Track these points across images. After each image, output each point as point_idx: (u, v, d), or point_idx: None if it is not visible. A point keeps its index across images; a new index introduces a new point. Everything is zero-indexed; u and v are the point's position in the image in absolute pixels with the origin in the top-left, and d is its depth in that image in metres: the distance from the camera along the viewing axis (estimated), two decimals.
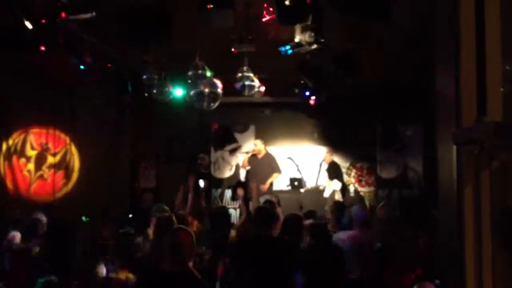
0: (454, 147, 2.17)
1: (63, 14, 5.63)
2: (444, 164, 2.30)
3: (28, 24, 5.59)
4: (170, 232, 3.61)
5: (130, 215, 8.72)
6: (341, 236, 5.69)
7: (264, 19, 6.22)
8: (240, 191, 8.47)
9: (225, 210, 7.75)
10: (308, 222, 5.91)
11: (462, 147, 2.12)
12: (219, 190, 11.08)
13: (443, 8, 2.36)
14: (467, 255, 2.10)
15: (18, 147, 9.23)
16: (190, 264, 3.41)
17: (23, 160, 9.25)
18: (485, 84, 2.15)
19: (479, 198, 2.07)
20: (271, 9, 5.96)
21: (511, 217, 2.06)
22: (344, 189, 10.17)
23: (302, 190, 9.95)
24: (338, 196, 9.66)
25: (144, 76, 7.99)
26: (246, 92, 7.90)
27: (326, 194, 9.66)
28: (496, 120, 2.07)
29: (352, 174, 11.28)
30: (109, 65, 7.61)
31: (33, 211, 6.57)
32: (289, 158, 10.56)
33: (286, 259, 4.43)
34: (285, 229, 5.39)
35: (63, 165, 9.49)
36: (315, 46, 5.88)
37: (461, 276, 2.11)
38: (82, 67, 6.98)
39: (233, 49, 6.81)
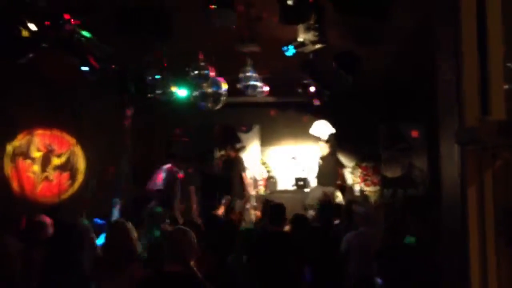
0: (457, 147, 2.15)
1: (66, 16, 5.66)
2: (447, 164, 2.29)
3: (31, 26, 5.61)
4: (169, 233, 3.63)
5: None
6: (349, 235, 5.72)
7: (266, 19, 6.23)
8: None
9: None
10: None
11: (465, 147, 2.10)
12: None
13: (444, 6, 2.34)
14: (471, 255, 2.08)
15: (23, 148, 9.25)
16: (192, 263, 3.41)
17: (28, 161, 9.26)
18: (488, 82, 2.13)
19: (483, 197, 2.06)
20: (273, 8, 5.96)
21: None
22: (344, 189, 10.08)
23: (307, 190, 9.96)
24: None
25: (147, 77, 8.00)
26: (250, 92, 7.90)
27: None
28: (500, 119, 2.05)
29: (358, 173, 11.26)
30: (112, 66, 7.61)
31: (36, 213, 6.53)
32: (294, 158, 10.56)
33: (298, 254, 4.63)
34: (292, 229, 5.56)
35: (68, 167, 9.51)
36: (318, 45, 5.88)
37: (465, 275, 2.10)
38: (85, 68, 6.99)
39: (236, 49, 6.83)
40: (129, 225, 4.25)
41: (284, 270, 4.63)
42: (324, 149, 9.95)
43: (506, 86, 2.20)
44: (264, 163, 11.25)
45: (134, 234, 4.23)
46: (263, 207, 6.72)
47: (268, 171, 11.13)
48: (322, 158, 9.99)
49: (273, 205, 5.68)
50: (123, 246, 3.96)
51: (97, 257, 4.06)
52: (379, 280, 5.40)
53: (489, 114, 2.08)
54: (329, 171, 9.85)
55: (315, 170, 10.06)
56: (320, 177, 9.80)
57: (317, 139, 10.56)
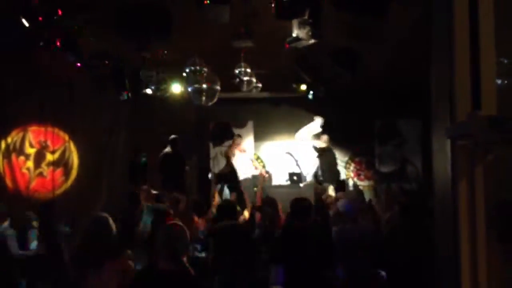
0: (449, 142, 2.17)
1: (60, 12, 5.65)
2: (439, 159, 2.31)
3: (25, 22, 5.60)
4: (163, 228, 3.63)
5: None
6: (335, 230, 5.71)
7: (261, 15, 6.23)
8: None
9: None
10: None
11: (456, 142, 2.12)
12: (219, 186, 11.06)
13: (437, 2, 2.37)
14: (462, 249, 2.11)
15: (17, 145, 9.24)
16: (185, 259, 3.42)
17: (22, 158, 9.26)
18: (479, 77, 2.15)
19: (474, 192, 2.08)
20: (268, 4, 5.96)
21: (508, 211, 2.08)
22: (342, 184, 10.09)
23: (301, 185, 9.98)
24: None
25: (142, 73, 8.00)
26: (244, 88, 7.90)
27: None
28: (490, 114, 2.07)
29: (351, 168, 11.31)
30: (106, 62, 7.60)
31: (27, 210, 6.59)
32: (288, 153, 10.59)
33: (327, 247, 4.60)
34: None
35: (62, 163, 9.50)
36: (312, 41, 5.89)
37: (456, 270, 2.13)
38: (79, 64, 6.99)
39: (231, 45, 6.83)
40: (108, 219, 4.12)
41: (314, 264, 4.55)
42: (322, 144, 10.04)
43: (498, 81, 2.22)
44: (258, 158, 11.27)
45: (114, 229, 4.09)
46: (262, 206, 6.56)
47: (262, 166, 11.16)
48: (320, 154, 10.10)
49: (296, 200, 5.37)
50: (102, 241, 3.88)
51: (76, 254, 3.98)
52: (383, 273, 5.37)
53: (480, 109, 2.10)
54: (328, 167, 9.93)
55: (313, 167, 10.16)
56: (321, 174, 9.92)
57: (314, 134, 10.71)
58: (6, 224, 6.41)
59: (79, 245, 4.02)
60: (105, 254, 3.81)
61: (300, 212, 4.93)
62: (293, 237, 4.79)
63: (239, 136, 10.34)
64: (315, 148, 10.26)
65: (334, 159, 10.37)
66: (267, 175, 9.11)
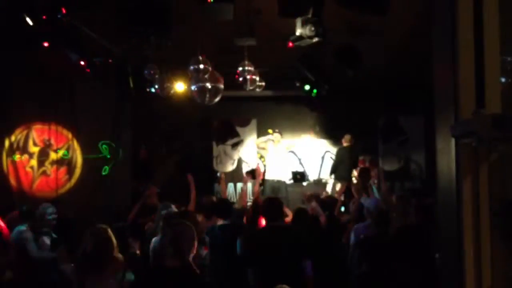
0: (453, 140, 2.17)
1: (64, 10, 5.65)
2: (443, 157, 2.31)
3: (28, 20, 5.61)
4: (170, 227, 3.64)
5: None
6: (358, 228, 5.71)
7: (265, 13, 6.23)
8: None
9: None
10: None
11: (461, 140, 2.12)
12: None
13: (441, 1, 2.36)
14: (466, 247, 2.11)
15: (21, 143, 9.26)
16: (191, 258, 3.43)
17: (26, 156, 9.29)
18: (484, 76, 2.14)
19: (478, 190, 2.08)
20: (272, 2, 5.96)
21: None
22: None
23: (304, 184, 9.98)
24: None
25: (146, 71, 8.00)
26: (248, 86, 7.90)
27: (328, 189, 9.69)
28: (494, 113, 2.07)
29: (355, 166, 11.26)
30: (110, 60, 7.61)
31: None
32: (291, 151, 10.57)
33: (297, 247, 4.55)
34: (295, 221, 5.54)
35: (65, 161, 9.51)
36: (316, 39, 5.88)
37: (460, 267, 2.12)
38: (83, 63, 7.00)
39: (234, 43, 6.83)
40: (109, 232, 4.08)
41: (285, 265, 4.52)
42: (346, 141, 10.05)
43: (502, 79, 2.22)
44: (261, 157, 11.25)
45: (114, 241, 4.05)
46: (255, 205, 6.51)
47: (265, 165, 11.13)
48: (340, 150, 10.09)
49: (269, 199, 5.27)
50: (105, 252, 3.88)
51: (80, 263, 3.95)
52: None
53: (485, 107, 2.10)
54: (345, 165, 9.91)
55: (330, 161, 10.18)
56: (336, 169, 9.91)
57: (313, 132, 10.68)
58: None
59: (81, 253, 4.00)
60: (106, 262, 3.83)
61: (273, 212, 4.74)
62: (268, 236, 4.64)
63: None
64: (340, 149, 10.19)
65: (353, 157, 10.31)
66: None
